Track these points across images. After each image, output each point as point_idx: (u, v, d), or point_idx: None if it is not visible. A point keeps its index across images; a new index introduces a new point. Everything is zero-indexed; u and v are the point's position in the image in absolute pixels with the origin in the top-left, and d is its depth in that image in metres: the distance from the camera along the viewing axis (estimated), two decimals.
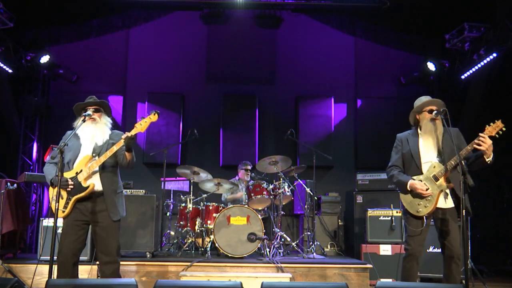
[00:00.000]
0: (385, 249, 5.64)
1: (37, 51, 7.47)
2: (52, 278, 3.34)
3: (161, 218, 6.03)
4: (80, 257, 5.04)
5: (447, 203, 3.68)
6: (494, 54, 6.40)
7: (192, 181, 6.10)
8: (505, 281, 5.81)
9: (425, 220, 3.66)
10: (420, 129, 3.85)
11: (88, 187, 3.58)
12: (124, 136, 3.51)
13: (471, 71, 6.93)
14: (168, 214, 6.33)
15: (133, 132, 3.53)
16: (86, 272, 5.00)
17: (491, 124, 3.55)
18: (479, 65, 6.70)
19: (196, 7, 7.92)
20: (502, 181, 7.02)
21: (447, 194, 3.68)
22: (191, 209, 5.86)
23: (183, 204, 6.01)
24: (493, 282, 5.52)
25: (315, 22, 8.00)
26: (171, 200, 6.40)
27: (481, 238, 6.65)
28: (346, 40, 8.13)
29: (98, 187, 3.65)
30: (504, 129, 3.51)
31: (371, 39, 7.89)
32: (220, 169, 7.61)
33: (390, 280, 5.31)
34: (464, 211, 3.30)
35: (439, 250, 5.33)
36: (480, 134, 3.49)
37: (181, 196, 6.17)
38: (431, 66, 7.50)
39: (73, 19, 7.66)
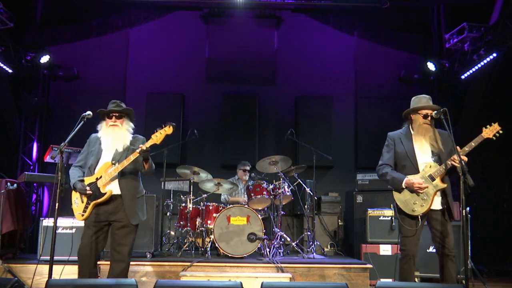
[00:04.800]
0: (385, 249, 5.64)
1: (37, 51, 7.48)
2: (53, 278, 3.35)
3: (161, 218, 6.03)
4: None
5: (437, 204, 3.72)
6: (494, 54, 6.40)
7: (192, 181, 6.10)
8: (505, 281, 5.81)
9: (420, 220, 3.68)
10: (413, 130, 3.88)
11: (105, 193, 3.70)
12: (138, 150, 3.64)
13: (471, 71, 6.93)
14: (168, 214, 6.33)
15: (147, 144, 3.64)
16: None
17: (488, 126, 3.63)
18: (479, 65, 6.69)
19: (196, 7, 7.94)
20: (502, 181, 7.02)
21: (441, 194, 3.72)
22: (191, 209, 5.86)
23: (183, 204, 6.00)
24: (493, 282, 5.52)
25: (315, 22, 8.01)
26: (171, 200, 6.40)
27: (481, 238, 6.65)
28: (346, 40, 8.13)
29: (117, 191, 3.75)
30: (501, 131, 3.58)
31: (371, 39, 7.91)
32: (220, 169, 7.60)
33: (390, 280, 5.31)
34: (464, 211, 3.33)
35: None
36: (453, 156, 3.58)
37: (181, 196, 6.17)
38: (431, 66, 7.51)
39: (73, 19, 7.68)
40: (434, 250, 5.26)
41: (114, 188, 3.74)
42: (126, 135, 3.86)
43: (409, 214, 3.70)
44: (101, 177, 3.73)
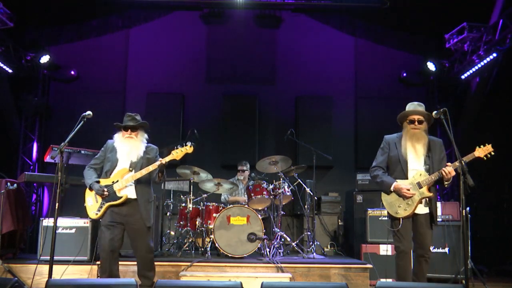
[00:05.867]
0: (385, 249, 5.63)
1: (37, 51, 7.48)
2: (53, 278, 3.35)
3: (161, 218, 6.03)
4: (80, 257, 5.13)
5: (423, 209, 3.87)
6: (494, 54, 6.39)
7: (192, 181, 6.10)
8: (505, 281, 5.81)
9: (401, 222, 3.83)
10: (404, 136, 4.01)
11: (121, 197, 4.02)
12: (158, 163, 3.99)
13: (471, 71, 6.93)
14: (168, 214, 6.32)
15: (167, 159, 4.01)
16: (86, 272, 5.01)
17: (482, 146, 3.78)
18: (479, 65, 6.69)
19: (196, 7, 7.93)
20: (502, 181, 7.02)
21: (425, 201, 3.87)
22: (191, 209, 5.85)
23: (183, 204, 6.01)
24: (493, 282, 5.51)
25: (315, 22, 8.01)
26: (171, 200, 6.39)
27: (481, 238, 6.66)
28: (346, 40, 8.13)
29: (133, 195, 4.08)
30: (493, 153, 3.75)
31: (371, 39, 7.90)
32: (220, 169, 7.60)
33: (390, 280, 5.31)
34: (464, 211, 3.38)
35: (439, 250, 5.40)
36: (444, 169, 3.72)
37: (181, 196, 6.17)
38: (431, 66, 7.51)
39: (73, 19, 7.67)
40: (435, 250, 5.35)
41: (129, 193, 4.06)
42: (140, 146, 4.18)
43: (392, 215, 3.89)
44: (117, 181, 4.04)
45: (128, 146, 4.13)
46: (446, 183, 3.80)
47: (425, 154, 3.90)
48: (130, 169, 4.07)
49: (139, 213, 4.06)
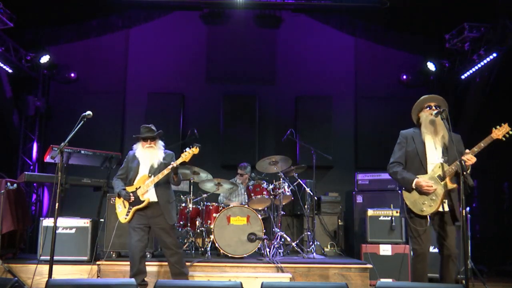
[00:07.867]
0: (385, 249, 5.64)
1: (37, 51, 7.49)
2: (53, 278, 3.35)
3: None
4: (80, 257, 5.14)
5: (445, 207, 3.72)
6: (494, 54, 6.39)
7: (192, 181, 6.10)
8: (505, 281, 5.80)
9: (429, 220, 3.67)
10: (423, 128, 3.84)
11: (144, 201, 4.39)
12: (170, 166, 4.32)
13: (471, 71, 6.93)
14: None
15: (178, 162, 4.34)
16: (86, 272, 5.01)
17: (498, 127, 3.61)
18: (479, 65, 6.69)
19: (196, 7, 7.94)
20: (502, 181, 7.02)
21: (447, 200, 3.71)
22: (191, 209, 5.86)
23: (183, 204, 6.01)
24: (493, 282, 5.51)
25: (315, 22, 8.01)
26: None
27: (481, 238, 6.66)
28: (346, 40, 8.13)
29: (154, 198, 4.43)
30: (511, 132, 3.57)
31: (371, 39, 7.91)
32: (220, 169, 7.60)
33: (390, 280, 5.31)
34: (464, 211, 3.35)
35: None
36: (463, 157, 3.52)
37: (181, 196, 6.17)
38: (431, 66, 7.51)
39: (73, 19, 7.67)
40: (435, 250, 5.32)
41: (151, 196, 4.41)
42: (159, 153, 4.55)
43: (418, 214, 3.70)
44: (140, 187, 4.41)
45: (149, 155, 4.50)
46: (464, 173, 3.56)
47: (443, 146, 3.73)
48: (149, 175, 4.42)
49: (161, 213, 4.39)
